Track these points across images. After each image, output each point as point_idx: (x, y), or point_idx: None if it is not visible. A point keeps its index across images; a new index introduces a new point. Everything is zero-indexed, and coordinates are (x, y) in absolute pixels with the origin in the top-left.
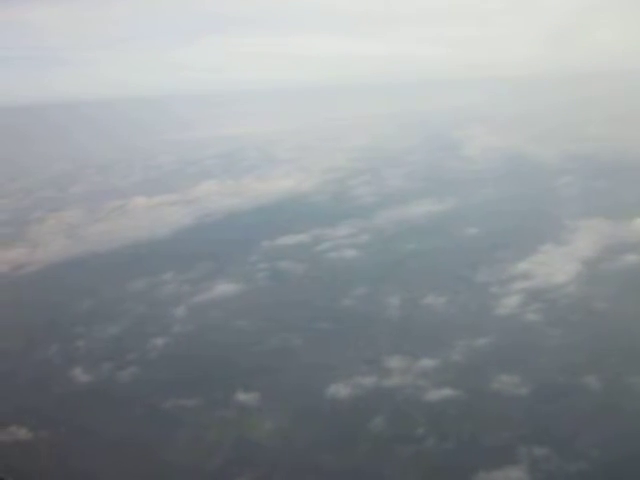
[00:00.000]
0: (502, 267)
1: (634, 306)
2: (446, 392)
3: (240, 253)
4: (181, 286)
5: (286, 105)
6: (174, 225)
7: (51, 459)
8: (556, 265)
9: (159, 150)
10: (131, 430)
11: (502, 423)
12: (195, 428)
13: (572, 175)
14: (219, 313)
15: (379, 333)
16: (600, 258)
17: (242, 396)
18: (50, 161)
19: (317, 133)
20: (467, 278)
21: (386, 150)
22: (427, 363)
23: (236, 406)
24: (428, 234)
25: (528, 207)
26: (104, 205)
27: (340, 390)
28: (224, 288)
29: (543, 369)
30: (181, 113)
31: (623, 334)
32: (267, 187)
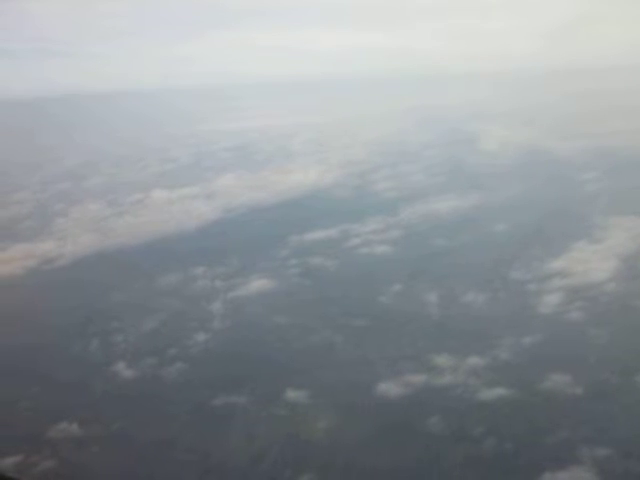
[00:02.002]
0: (537, 264)
1: None
2: (499, 391)
3: (268, 248)
4: (214, 281)
5: (295, 99)
6: (199, 219)
7: (104, 457)
8: (593, 263)
9: (171, 143)
10: (181, 428)
11: (560, 423)
12: (246, 426)
13: (595, 171)
14: (256, 309)
15: (420, 330)
16: (638, 256)
17: (292, 394)
18: (61, 154)
19: (329, 127)
20: (502, 275)
21: (402, 144)
22: (476, 361)
23: (286, 404)
24: (456, 230)
25: (554, 203)
26: (125, 198)
27: (390, 388)
28: (258, 284)
29: (594, 368)
30: (188, 107)
31: None
32: (288, 181)
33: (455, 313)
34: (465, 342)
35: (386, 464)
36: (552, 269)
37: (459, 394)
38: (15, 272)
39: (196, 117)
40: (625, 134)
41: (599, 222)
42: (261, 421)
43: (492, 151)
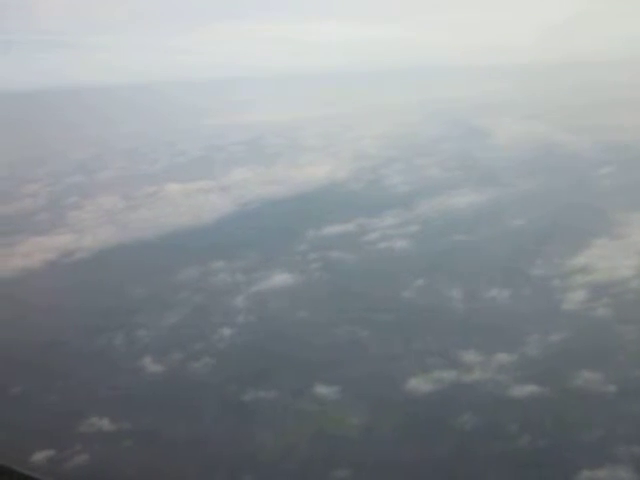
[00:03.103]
0: (559, 260)
1: None
2: (531, 388)
3: (287, 242)
4: (234, 275)
5: (299, 92)
6: (215, 213)
7: (135, 452)
8: (616, 259)
9: (178, 137)
10: (211, 423)
11: (595, 421)
12: (276, 421)
13: (609, 166)
14: (280, 304)
15: (446, 326)
16: None
17: (321, 389)
18: (68, 147)
19: (336, 120)
20: (524, 271)
21: (413, 138)
22: (504, 358)
23: (316, 399)
24: (474, 225)
25: (572, 199)
26: (138, 191)
27: (421, 384)
28: (280, 278)
29: (625, 366)
30: (193, 100)
31: None
32: (301, 175)
33: (479, 308)
34: (492, 338)
35: (420, 460)
36: (574, 265)
37: (490, 390)
38: (35, 265)
39: (201, 110)
40: (633, 128)
41: (619, 218)
42: (291, 416)
43: (504, 145)
